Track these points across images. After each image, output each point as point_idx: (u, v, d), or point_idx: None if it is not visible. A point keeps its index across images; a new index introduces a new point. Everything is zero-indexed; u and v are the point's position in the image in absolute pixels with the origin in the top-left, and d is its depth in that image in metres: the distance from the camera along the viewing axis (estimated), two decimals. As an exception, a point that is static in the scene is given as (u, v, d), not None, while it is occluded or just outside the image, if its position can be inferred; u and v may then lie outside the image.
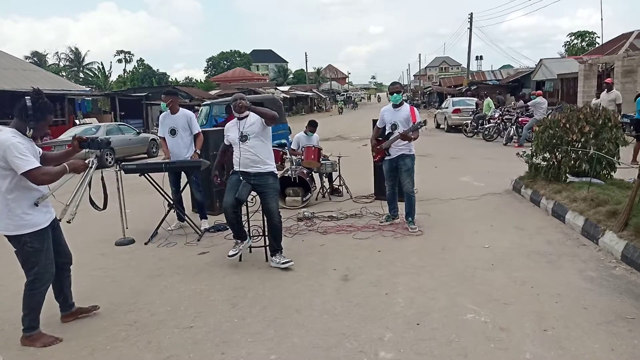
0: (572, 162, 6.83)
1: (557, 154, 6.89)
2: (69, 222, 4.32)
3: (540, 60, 31.72)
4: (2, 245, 6.22)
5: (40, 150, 3.41)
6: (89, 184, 3.83)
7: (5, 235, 3.24)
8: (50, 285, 3.46)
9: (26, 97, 3.24)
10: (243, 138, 4.62)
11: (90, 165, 3.71)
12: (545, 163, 7.11)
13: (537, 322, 3.36)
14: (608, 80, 11.64)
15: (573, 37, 50.77)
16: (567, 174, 6.79)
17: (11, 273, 5.03)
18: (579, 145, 6.59)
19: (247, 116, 4.66)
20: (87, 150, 3.79)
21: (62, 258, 3.58)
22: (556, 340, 3.10)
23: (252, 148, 4.62)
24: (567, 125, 6.60)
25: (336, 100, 54.67)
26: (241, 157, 4.65)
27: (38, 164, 3.16)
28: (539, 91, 18.29)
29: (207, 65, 79.02)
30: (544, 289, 3.90)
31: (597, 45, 39.70)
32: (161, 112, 6.65)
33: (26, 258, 3.27)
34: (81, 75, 59.79)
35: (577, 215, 5.48)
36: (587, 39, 49.67)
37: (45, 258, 3.31)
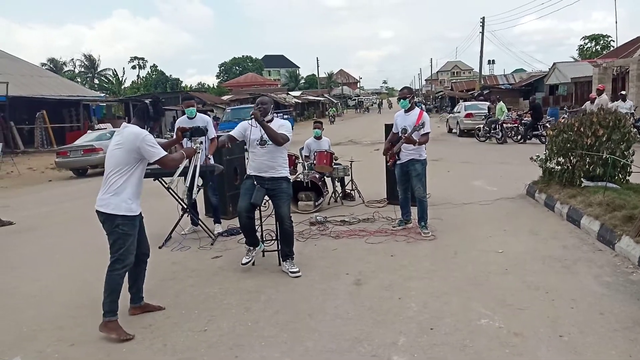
0: (587, 166, 6.76)
1: (571, 158, 6.83)
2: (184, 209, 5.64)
3: (554, 64, 31.48)
4: (15, 244, 6.33)
5: None
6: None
7: (102, 213, 3.51)
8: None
9: (147, 101, 3.76)
10: (262, 142, 4.63)
11: (197, 151, 4.49)
12: (560, 167, 7.05)
13: (552, 327, 3.33)
14: (600, 86, 11.98)
15: (587, 41, 50.19)
16: (581, 179, 6.72)
17: (23, 275, 5.13)
18: (594, 149, 6.53)
19: (270, 120, 4.66)
20: (192, 138, 4.54)
21: (143, 249, 3.82)
22: (572, 346, 3.07)
23: (269, 153, 4.64)
24: (581, 129, 6.54)
25: (330, 107, 49.60)
26: (257, 162, 4.68)
27: (166, 153, 3.59)
28: (601, 85, 16.87)
29: (220, 70, 79.70)
30: (559, 294, 3.86)
31: (611, 49, 39.25)
32: (174, 117, 6.78)
33: (116, 239, 3.54)
34: (96, 81, 60.70)
35: (593, 220, 5.41)
36: (601, 42, 49.08)
37: (130, 243, 3.58)
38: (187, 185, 5.06)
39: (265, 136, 4.60)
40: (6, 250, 6.29)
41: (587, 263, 4.56)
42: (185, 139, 4.60)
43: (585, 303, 3.69)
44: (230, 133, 4.90)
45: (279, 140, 4.57)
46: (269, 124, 4.59)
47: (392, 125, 6.27)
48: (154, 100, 3.78)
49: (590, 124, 6.49)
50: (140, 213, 3.70)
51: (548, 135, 7.76)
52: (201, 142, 5.34)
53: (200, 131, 4.61)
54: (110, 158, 3.57)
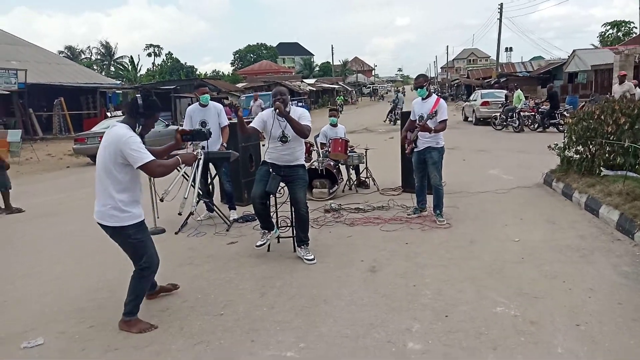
0: (607, 155, 6.64)
1: (590, 146, 6.72)
2: (192, 213, 4.53)
3: (574, 51, 30.79)
4: (39, 230, 6.46)
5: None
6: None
7: (108, 227, 3.31)
8: None
9: (137, 96, 3.37)
10: (284, 138, 4.61)
11: (198, 157, 3.84)
12: (579, 156, 6.94)
13: (569, 316, 3.31)
14: (621, 72, 11.73)
15: (608, 27, 49.08)
16: (601, 167, 6.61)
17: (44, 259, 5.24)
18: (614, 138, 6.41)
19: (289, 110, 4.60)
20: (192, 142, 3.82)
21: None
22: (589, 335, 3.04)
23: (289, 147, 4.65)
24: (602, 117, 6.42)
25: (338, 96, 46.82)
26: (276, 154, 4.69)
27: (153, 157, 3.22)
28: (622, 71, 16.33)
29: (234, 58, 79.66)
30: (576, 284, 3.83)
31: (633, 35, 38.27)
32: (189, 104, 6.79)
33: (134, 250, 3.40)
34: (112, 68, 61.08)
35: (612, 210, 5.33)
36: (623, 28, 47.93)
37: (151, 246, 3.45)
38: (186, 196, 4.53)
39: (287, 132, 4.58)
40: (28, 235, 6.43)
41: (605, 252, 4.50)
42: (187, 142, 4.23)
43: (603, 292, 3.65)
44: (252, 125, 4.71)
45: (304, 133, 4.59)
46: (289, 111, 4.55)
47: (409, 113, 6.22)
48: (144, 94, 3.38)
49: (612, 112, 6.36)
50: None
51: (566, 124, 7.63)
52: (203, 147, 5.05)
53: (203, 135, 4.13)
54: (99, 162, 3.30)
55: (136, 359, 3.08)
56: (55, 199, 9.03)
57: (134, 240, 3.36)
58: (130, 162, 3.18)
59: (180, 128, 3.80)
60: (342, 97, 45.73)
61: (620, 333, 3.05)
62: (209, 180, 6.41)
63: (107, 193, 3.26)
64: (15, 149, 15.03)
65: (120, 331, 3.42)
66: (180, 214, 5.78)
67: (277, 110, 4.46)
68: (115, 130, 3.25)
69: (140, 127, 3.33)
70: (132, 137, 3.19)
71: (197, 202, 6.24)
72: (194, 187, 5.83)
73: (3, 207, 7.78)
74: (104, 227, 3.34)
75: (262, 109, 19.91)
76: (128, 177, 3.28)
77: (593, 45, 47.47)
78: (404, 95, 27.42)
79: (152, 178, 5.94)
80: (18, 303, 4.06)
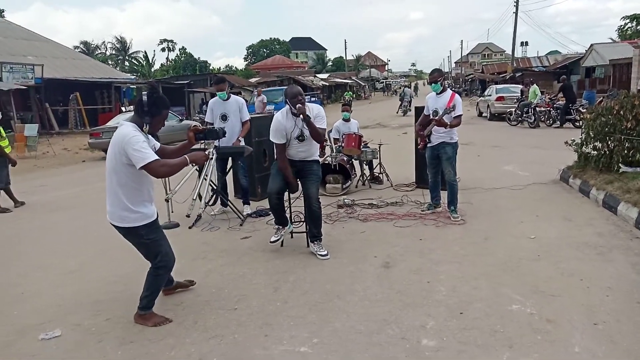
0: (626, 151, 6.52)
1: (609, 142, 6.60)
2: (199, 216, 5.23)
3: (591, 45, 30.29)
4: (52, 222, 6.54)
5: (158, 144, 3.45)
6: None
7: (121, 228, 3.31)
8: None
9: (142, 93, 3.29)
10: (301, 138, 4.59)
11: (210, 157, 3.74)
12: (596, 152, 6.82)
13: (587, 315, 3.26)
14: None
15: (627, 20, 47.96)
16: (619, 164, 6.50)
17: (60, 252, 5.31)
18: (634, 134, 6.28)
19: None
20: (204, 141, 3.82)
21: None
22: (607, 335, 3.00)
23: (306, 145, 4.65)
24: (621, 112, 6.30)
25: (346, 91, 44.46)
26: (292, 151, 4.68)
27: (156, 157, 3.14)
28: None
29: (247, 53, 79.75)
30: (593, 282, 3.77)
31: (653, 29, 37.45)
32: (203, 100, 6.82)
33: (147, 250, 3.41)
34: (126, 63, 61.57)
35: (631, 207, 5.24)
36: (642, 22, 46.84)
37: (165, 245, 3.45)
38: (194, 197, 4.36)
39: (305, 131, 4.56)
40: (46, 228, 6.52)
41: (623, 251, 4.43)
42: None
43: (621, 291, 3.59)
44: (278, 142, 4.60)
45: (320, 138, 4.61)
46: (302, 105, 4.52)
47: (423, 108, 6.17)
48: (150, 91, 3.27)
49: (632, 107, 6.24)
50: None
51: (584, 119, 7.51)
52: (215, 147, 5.05)
53: (215, 133, 4.11)
54: (108, 162, 3.26)
55: (151, 352, 3.10)
56: (71, 192, 9.14)
57: (147, 240, 3.35)
58: (132, 162, 3.12)
59: (193, 126, 3.73)
60: (350, 92, 43.64)
61: (640, 333, 3.00)
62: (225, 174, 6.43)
63: (116, 193, 3.24)
64: (32, 143, 15.26)
65: (135, 324, 3.46)
66: (188, 215, 5.84)
67: (301, 115, 4.41)
68: (120, 130, 3.20)
69: (148, 125, 3.25)
70: (135, 136, 3.11)
71: (213, 198, 6.28)
72: (206, 181, 5.85)
73: (12, 202, 7.86)
74: (116, 227, 3.34)
75: (264, 104, 20.11)
76: (135, 177, 3.22)
77: (611, 39, 46.57)
78: (417, 89, 28.10)
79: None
80: (35, 295, 4.12)
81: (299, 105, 4.43)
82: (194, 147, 3.79)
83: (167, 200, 5.77)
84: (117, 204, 3.25)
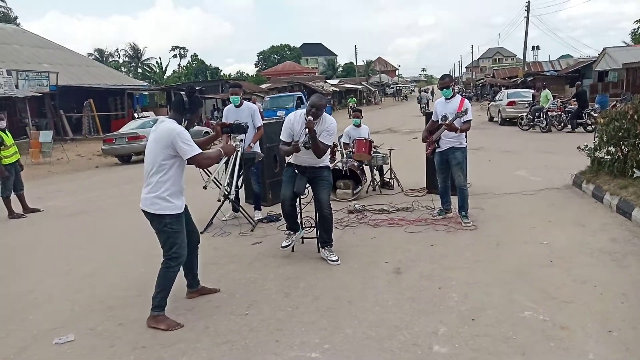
0: (640, 156, 6.44)
1: (623, 147, 6.53)
2: (226, 198, 5.62)
3: (604, 49, 29.98)
4: (65, 228, 6.62)
5: None
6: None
7: (149, 214, 3.50)
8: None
9: (182, 93, 3.62)
10: (307, 145, 4.59)
11: (237, 149, 4.38)
12: (610, 157, 6.75)
13: (601, 322, 3.22)
14: None
15: (640, 24, 47.46)
16: (634, 169, 6.41)
17: (73, 257, 5.37)
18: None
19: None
20: (232, 135, 4.46)
21: (194, 237, 3.86)
22: (622, 342, 2.95)
23: (311, 153, 4.62)
24: (635, 117, 6.23)
25: (350, 97, 42.46)
26: (301, 158, 4.70)
27: (201, 150, 3.47)
28: None
29: (258, 59, 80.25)
30: (608, 288, 3.72)
31: (668, 32, 37.00)
32: (214, 106, 6.92)
33: (166, 238, 3.54)
34: (139, 70, 62.24)
35: (645, 212, 5.17)
36: (656, 25, 46.26)
37: (182, 240, 3.59)
38: (227, 181, 5.06)
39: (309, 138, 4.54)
40: (60, 234, 6.61)
41: (638, 257, 4.37)
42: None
43: (636, 298, 3.54)
44: (282, 139, 4.76)
45: (320, 155, 4.60)
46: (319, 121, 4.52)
47: (431, 113, 6.16)
48: (189, 91, 3.62)
49: (646, 112, 6.17)
50: (186, 205, 3.68)
51: (598, 124, 7.44)
52: (241, 140, 5.32)
53: (242, 128, 4.49)
54: (148, 155, 3.50)
55: (163, 357, 3.12)
56: (85, 198, 9.26)
57: (170, 229, 3.50)
58: (180, 154, 3.39)
59: (220, 122, 4.34)
60: (353, 99, 41.11)
61: (655, 340, 2.95)
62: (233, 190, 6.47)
63: (154, 183, 3.45)
64: (46, 149, 15.49)
65: (147, 329, 3.48)
66: (219, 200, 6.00)
67: (307, 127, 4.44)
68: (165, 125, 3.46)
69: (187, 122, 3.55)
70: (182, 131, 3.41)
71: (224, 201, 6.31)
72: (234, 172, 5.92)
73: (22, 209, 7.90)
74: (145, 213, 3.52)
75: (260, 113, 20.32)
76: (175, 169, 3.47)
77: (624, 42, 46.07)
78: (433, 93, 35.05)
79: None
80: (49, 301, 4.18)
81: (310, 118, 4.45)
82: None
83: (204, 188, 5.99)
84: (154, 193, 3.45)
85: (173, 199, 3.48)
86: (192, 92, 3.61)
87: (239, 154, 4.67)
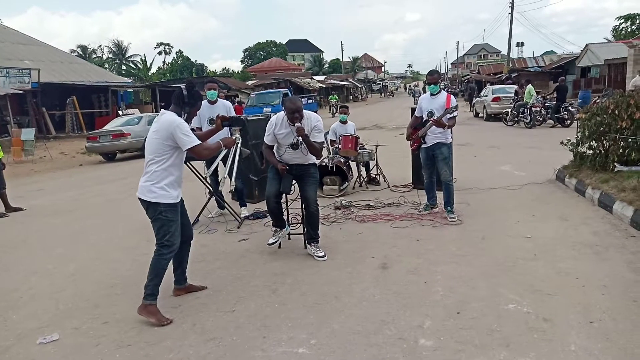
0: (621, 150, 6.55)
1: (604, 142, 6.64)
2: (231, 192, 5.76)
3: (587, 45, 30.45)
4: (49, 227, 6.54)
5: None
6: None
7: (145, 201, 3.56)
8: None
9: (182, 86, 3.74)
10: (295, 146, 4.56)
11: (237, 141, 4.45)
12: (592, 152, 6.86)
13: (583, 313, 3.28)
14: None
15: (622, 20, 48.17)
16: (615, 163, 6.53)
17: (58, 256, 5.31)
18: (629, 133, 6.32)
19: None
20: (231, 128, 4.52)
21: (187, 232, 3.87)
22: (603, 333, 3.01)
23: (299, 152, 4.62)
24: (616, 112, 6.33)
25: (332, 94, 40.95)
26: (287, 157, 4.69)
27: (200, 141, 3.58)
28: None
29: (244, 55, 79.81)
30: (589, 281, 3.79)
31: (648, 29, 37.62)
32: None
33: (160, 226, 3.59)
34: (123, 67, 61.52)
35: (626, 206, 5.27)
36: (637, 21, 47.07)
37: (175, 229, 3.64)
38: (227, 174, 5.15)
39: (300, 141, 4.51)
40: (44, 232, 6.52)
41: (619, 249, 4.45)
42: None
43: (617, 290, 3.61)
44: (266, 142, 4.75)
45: (319, 154, 4.68)
46: (300, 122, 4.48)
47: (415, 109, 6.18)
48: (189, 85, 3.73)
49: (627, 107, 6.28)
50: (182, 199, 3.73)
51: (579, 119, 7.55)
52: (241, 133, 5.42)
53: (240, 121, 4.58)
54: (148, 146, 3.59)
55: (149, 355, 3.11)
56: (69, 196, 9.13)
57: (164, 217, 3.55)
58: (179, 145, 3.49)
59: (220, 114, 4.38)
60: (334, 96, 39.72)
61: (636, 330, 3.02)
62: (219, 178, 6.43)
63: (151, 172, 3.54)
64: (29, 147, 15.25)
65: (133, 327, 3.46)
66: (231, 192, 6.03)
67: (300, 136, 4.43)
68: (166, 117, 3.55)
69: (186, 115, 3.64)
70: (182, 122, 3.52)
71: (210, 199, 6.28)
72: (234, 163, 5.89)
73: (4, 208, 7.78)
74: (142, 201, 3.58)
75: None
76: (173, 160, 3.56)
77: (606, 39, 46.80)
78: (424, 89, 33.57)
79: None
80: (33, 299, 4.12)
81: (298, 125, 4.42)
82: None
83: (205, 179, 6.08)
84: (151, 181, 3.53)
85: (169, 189, 3.56)
86: (192, 86, 3.73)
87: (239, 146, 4.75)
